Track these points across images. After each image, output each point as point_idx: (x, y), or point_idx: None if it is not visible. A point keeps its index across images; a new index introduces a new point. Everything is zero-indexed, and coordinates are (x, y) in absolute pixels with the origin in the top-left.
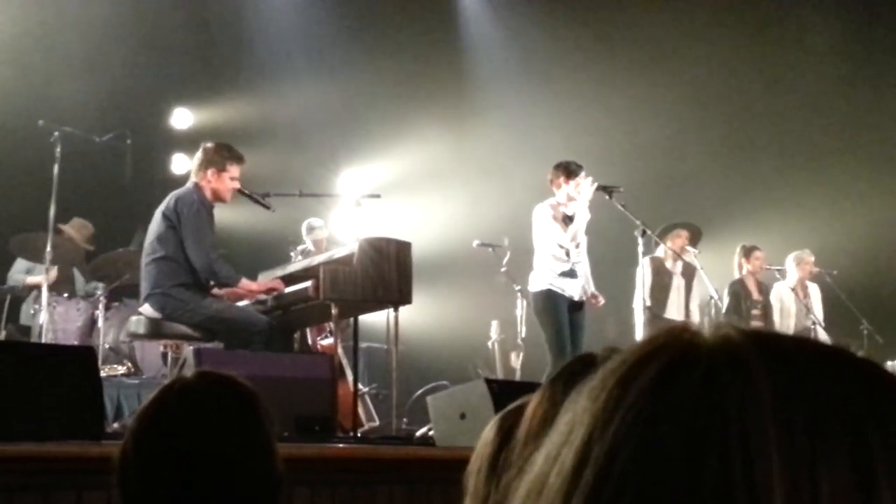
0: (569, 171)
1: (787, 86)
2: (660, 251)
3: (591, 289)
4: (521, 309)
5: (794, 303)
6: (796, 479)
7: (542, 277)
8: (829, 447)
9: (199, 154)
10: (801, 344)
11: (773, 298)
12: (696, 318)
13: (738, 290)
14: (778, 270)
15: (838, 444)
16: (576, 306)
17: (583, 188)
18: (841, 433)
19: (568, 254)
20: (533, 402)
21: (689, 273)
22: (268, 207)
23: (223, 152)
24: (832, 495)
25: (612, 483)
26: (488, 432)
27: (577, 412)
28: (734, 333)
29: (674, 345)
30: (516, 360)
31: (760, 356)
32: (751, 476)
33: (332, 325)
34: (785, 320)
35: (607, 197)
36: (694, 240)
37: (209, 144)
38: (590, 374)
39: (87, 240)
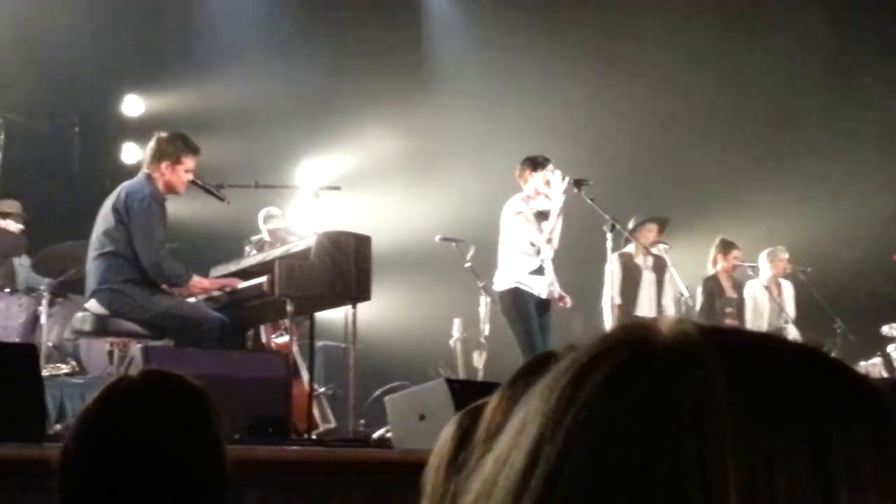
0: (535, 163)
1: (760, 78)
2: (630, 246)
3: (558, 289)
4: (484, 306)
5: (768, 301)
6: (752, 480)
7: (510, 275)
8: (787, 448)
9: (151, 144)
10: (763, 341)
11: (746, 296)
12: (670, 312)
13: (712, 288)
14: (751, 267)
15: (797, 445)
16: (543, 306)
17: (553, 183)
18: (801, 434)
19: (539, 251)
20: (492, 403)
21: (659, 267)
22: (222, 199)
23: (178, 143)
24: (789, 496)
25: (563, 485)
26: (448, 430)
27: (529, 412)
28: (691, 329)
29: (628, 342)
30: (479, 360)
31: (718, 353)
32: (705, 478)
33: (287, 322)
34: (757, 319)
35: (576, 190)
36: (662, 229)
37: (163, 134)
38: (548, 372)
39: (20, 219)
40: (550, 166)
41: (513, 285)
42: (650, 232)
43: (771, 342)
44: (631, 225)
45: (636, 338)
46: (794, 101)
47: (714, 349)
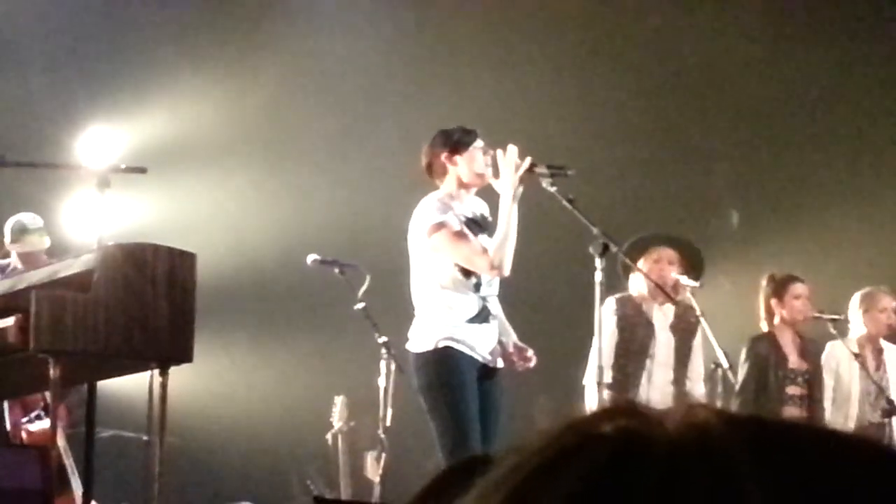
0: (455, 140)
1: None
2: (635, 285)
3: (513, 339)
4: (386, 376)
5: (859, 376)
6: None
7: (433, 327)
8: None
9: None
10: (834, 446)
11: (825, 368)
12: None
13: (765, 353)
14: (832, 320)
15: None
16: (487, 373)
17: (503, 166)
18: None
19: (478, 284)
20: None
21: (685, 325)
22: None
23: None
24: None
25: None
26: None
27: None
28: (714, 421)
29: (608, 439)
30: (375, 467)
31: (754, 463)
32: None
33: (48, 396)
34: (842, 405)
35: (545, 185)
36: (689, 266)
37: None
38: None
39: None
40: (479, 141)
41: (439, 344)
42: (659, 262)
43: (848, 448)
44: (623, 250)
45: (623, 432)
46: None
47: (748, 455)
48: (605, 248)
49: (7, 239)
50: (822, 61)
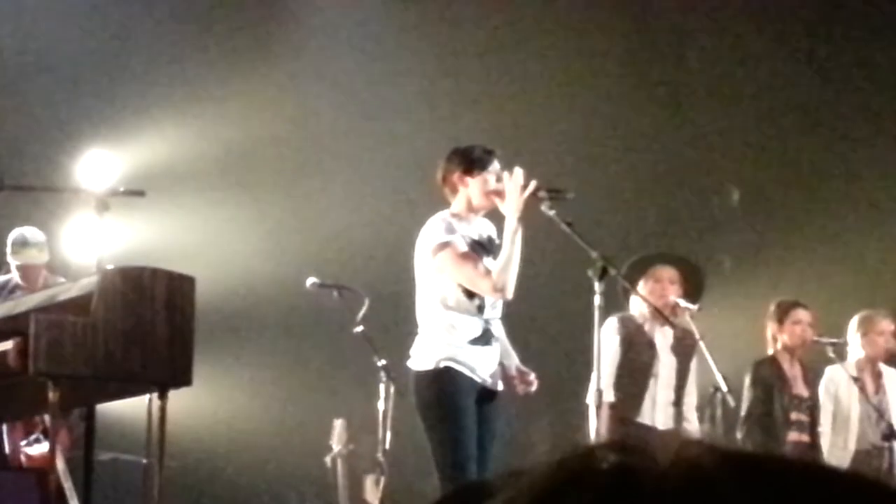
0: (471, 160)
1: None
2: (636, 304)
3: (515, 362)
4: (385, 399)
5: (858, 401)
6: None
7: (435, 347)
8: None
9: None
10: (827, 484)
11: (824, 393)
12: (693, 426)
13: (770, 378)
14: (832, 344)
15: None
16: (487, 396)
17: (509, 189)
18: None
19: (482, 306)
20: None
21: (685, 347)
22: None
23: None
24: None
25: None
26: None
27: None
28: (708, 459)
29: (601, 475)
30: (374, 490)
31: (746, 502)
32: None
33: (48, 419)
34: (842, 429)
35: (544, 209)
36: (690, 286)
37: None
38: None
39: None
40: (496, 164)
41: (440, 364)
42: (660, 282)
43: (839, 485)
44: (625, 269)
45: (616, 468)
46: None
47: (738, 492)
48: (604, 271)
49: (7, 251)
50: (823, 79)
